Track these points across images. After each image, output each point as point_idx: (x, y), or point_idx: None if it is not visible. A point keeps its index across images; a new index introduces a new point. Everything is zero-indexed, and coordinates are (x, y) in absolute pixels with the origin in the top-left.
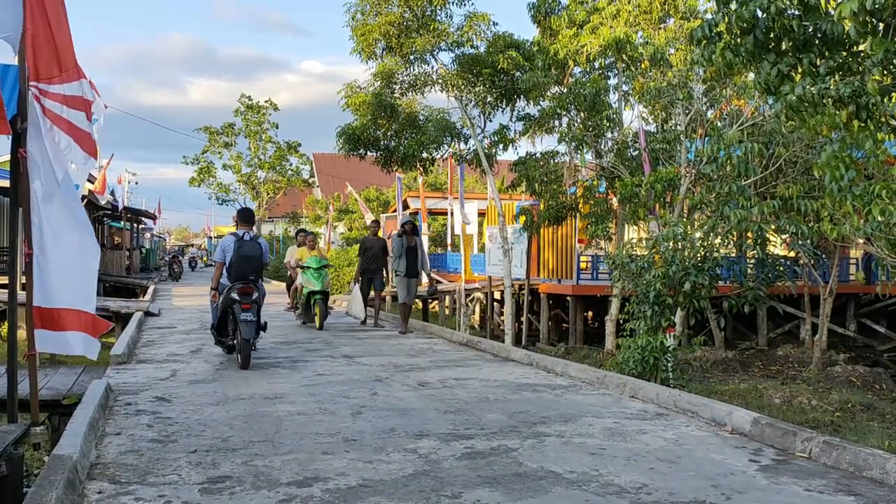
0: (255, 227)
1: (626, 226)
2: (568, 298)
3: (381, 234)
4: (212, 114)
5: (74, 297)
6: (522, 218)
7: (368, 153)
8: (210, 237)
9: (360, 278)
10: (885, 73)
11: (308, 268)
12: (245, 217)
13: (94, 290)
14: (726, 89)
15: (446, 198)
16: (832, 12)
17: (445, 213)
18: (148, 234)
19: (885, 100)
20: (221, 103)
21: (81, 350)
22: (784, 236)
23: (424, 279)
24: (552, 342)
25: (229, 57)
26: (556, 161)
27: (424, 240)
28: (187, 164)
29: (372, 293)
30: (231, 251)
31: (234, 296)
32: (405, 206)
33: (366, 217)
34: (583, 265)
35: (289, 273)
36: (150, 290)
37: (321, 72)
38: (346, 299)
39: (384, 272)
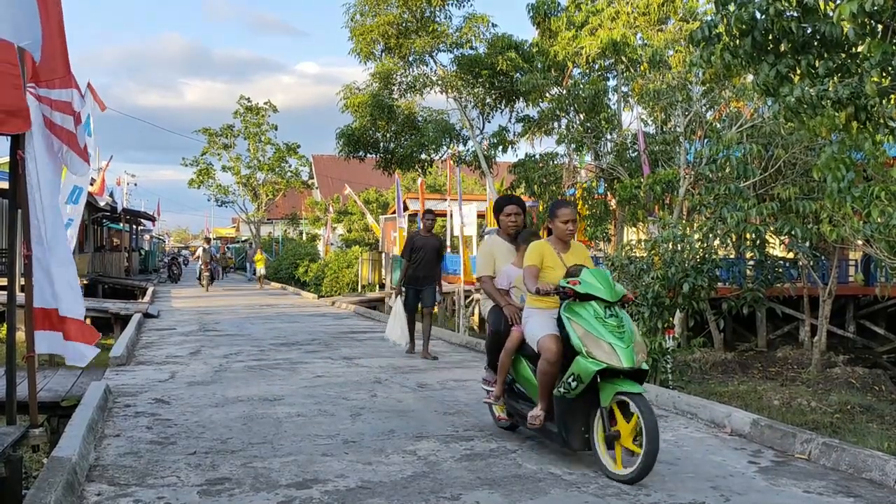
0: (211, 243)
1: (625, 227)
2: None
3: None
4: (208, 115)
5: (69, 303)
6: None
7: (368, 155)
8: (209, 238)
9: (403, 289)
10: (884, 74)
11: (595, 298)
12: (206, 240)
13: (81, 295)
14: (725, 91)
15: (445, 199)
16: (831, 14)
17: (444, 215)
18: (147, 236)
19: (884, 101)
20: (218, 105)
21: (75, 360)
22: (783, 237)
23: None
24: None
25: (225, 58)
26: (555, 162)
27: None
28: (186, 165)
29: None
30: (201, 252)
31: (202, 266)
32: (405, 208)
33: (367, 218)
34: None
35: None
36: (149, 292)
37: (317, 73)
38: (346, 302)
39: (438, 283)
